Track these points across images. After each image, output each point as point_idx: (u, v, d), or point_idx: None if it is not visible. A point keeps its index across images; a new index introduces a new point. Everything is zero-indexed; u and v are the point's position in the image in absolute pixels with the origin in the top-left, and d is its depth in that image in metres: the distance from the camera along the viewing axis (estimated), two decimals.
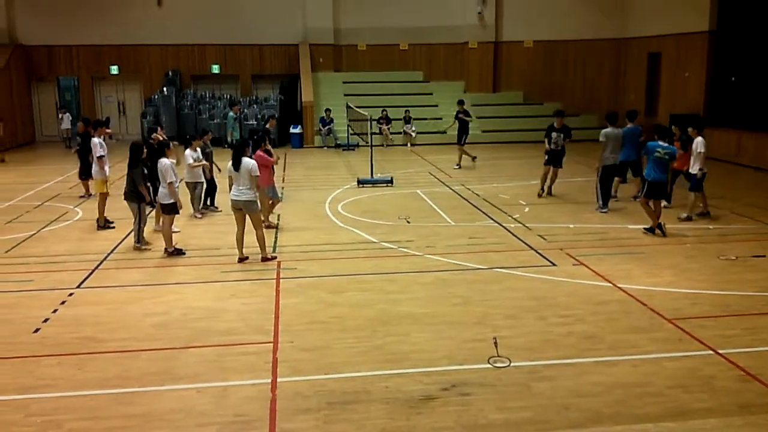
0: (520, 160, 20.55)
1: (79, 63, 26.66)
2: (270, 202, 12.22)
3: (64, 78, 27.46)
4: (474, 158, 19.46)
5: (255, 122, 24.65)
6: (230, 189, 10.11)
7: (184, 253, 10.49)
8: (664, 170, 11.44)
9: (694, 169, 12.27)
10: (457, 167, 18.96)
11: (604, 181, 13.19)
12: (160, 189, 10.58)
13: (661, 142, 11.36)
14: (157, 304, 8.40)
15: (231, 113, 18.73)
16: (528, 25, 27.04)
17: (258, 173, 9.98)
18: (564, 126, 14.62)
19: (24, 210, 13.98)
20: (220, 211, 13.34)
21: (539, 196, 14.69)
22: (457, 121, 19.45)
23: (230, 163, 9.99)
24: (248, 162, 9.88)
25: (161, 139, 11.94)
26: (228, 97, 26.82)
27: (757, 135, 19.17)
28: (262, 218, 11.47)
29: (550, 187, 14.86)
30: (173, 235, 10.78)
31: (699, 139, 12.26)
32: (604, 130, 13.18)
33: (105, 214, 12.30)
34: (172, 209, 10.49)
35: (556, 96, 26.84)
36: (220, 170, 13.36)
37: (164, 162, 10.45)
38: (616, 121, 13.33)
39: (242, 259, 10.04)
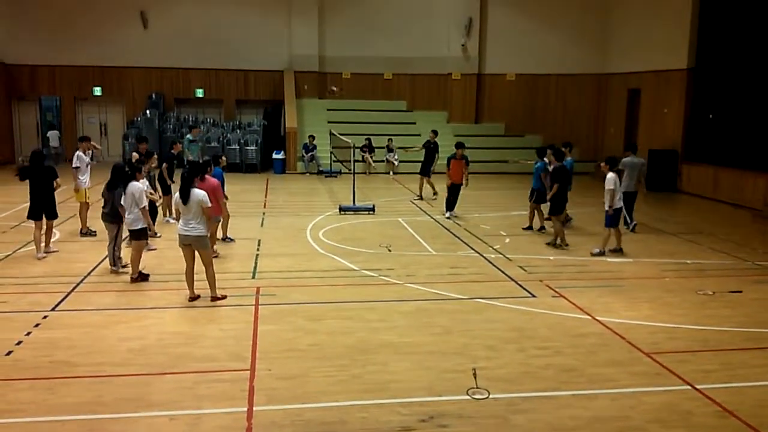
0: (501, 191, 20.69)
1: (61, 83, 26.54)
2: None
3: (46, 98, 27.32)
4: (435, 193, 18.61)
5: (237, 147, 24.71)
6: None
7: (148, 278, 10.30)
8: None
9: (605, 205, 12.19)
10: (418, 198, 18.63)
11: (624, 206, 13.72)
12: (128, 214, 10.30)
13: (546, 159, 13.94)
14: (134, 328, 8.28)
15: (189, 135, 18.53)
16: (511, 59, 27.41)
17: (209, 204, 9.23)
18: (555, 167, 13.24)
19: (0, 231, 13.78)
20: (160, 236, 13.00)
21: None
22: (423, 149, 18.89)
23: (177, 194, 9.34)
24: (198, 193, 9.13)
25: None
26: (211, 120, 26.87)
27: (734, 171, 19.49)
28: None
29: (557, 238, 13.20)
30: (150, 252, 10.64)
31: (610, 176, 12.15)
32: (623, 159, 14.26)
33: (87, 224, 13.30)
34: (141, 234, 10.33)
35: (537, 128, 27.21)
36: (160, 197, 12.88)
37: (136, 186, 10.24)
38: (635, 151, 14.72)
39: (194, 298, 9.31)
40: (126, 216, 10.35)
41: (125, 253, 11.09)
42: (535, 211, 14.62)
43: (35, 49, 25.81)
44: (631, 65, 24.93)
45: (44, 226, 11.81)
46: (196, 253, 9.26)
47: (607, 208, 12.18)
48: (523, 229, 14.55)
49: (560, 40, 27.14)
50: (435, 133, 19.29)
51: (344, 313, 8.97)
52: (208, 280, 9.36)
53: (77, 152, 13.41)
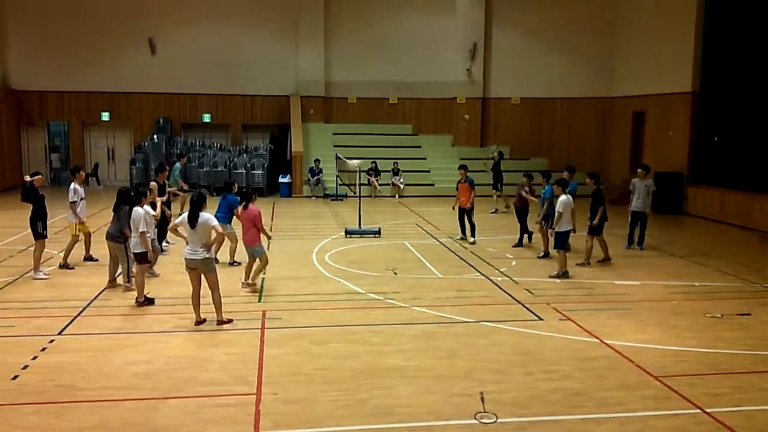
0: (507, 214, 20.65)
1: (70, 109, 26.79)
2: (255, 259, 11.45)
3: (55, 123, 27.59)
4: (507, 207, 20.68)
5: (244, 171, 24.84)
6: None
7: (153, 302, 10.31)
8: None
9: (558, 227, 12.24)
10: (494, 211, 20.80)
11: (632, 225, 15.02)
12: (132, 238, 10.45)
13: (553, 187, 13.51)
14: (140, 352, 8.27)
15: (178, 164, 18.54)
16: (515, 83, 27.60)
17: (220, 229, 9.20)
18: (593, 191, 13.60)
19: (8, 254, 13.84)
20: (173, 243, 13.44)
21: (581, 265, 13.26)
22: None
23: (184, 216, 9.26)
24: (205, 217, 9.07)
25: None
26: (218, 145, 27.04)
27: (740, 193, 19.46)
28: (249, 279, 11.19)
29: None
30: (154, 278, 10.66)
31: (561, 198, 12.24)
32: (633, 180, 15.11)
33: (86, 254, 13.18)
34: (143, 258, 10.37)
35: (542, 152, 27.29)
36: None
37: (138, 210, 10.37)
38: (648, 171, 15.24)
39: (200, 322, 9.29)
40: (131, 239, 10.53)
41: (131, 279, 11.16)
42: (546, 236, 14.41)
43: (44, 75, 26.11)
44: (636, 89, 25.04)
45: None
46: (202, 276, 9.27)
47: (560, 231, 12.22)
48: (539, 257, 14.08)
49: (565, 64, 27.32)
50: (501, 154, 22.31)
51: (350, 337, 8.94)
52: (214, 304, 9.34)
53: (73, 185, 12.64)
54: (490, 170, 21.94)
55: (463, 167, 16.11)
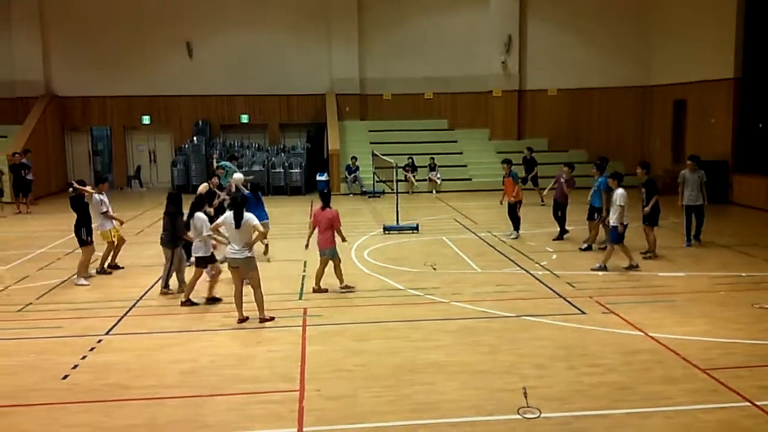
0: (546, 207, 20.44)
1: (112, 113, 27.38)
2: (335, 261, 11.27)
3: (97, 128, 28.20)
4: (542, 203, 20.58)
5: (282, 170, 25.08)
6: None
7: (196, 304, 10.41)
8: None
9: (612, 221, 12.05)
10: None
11: (688, 220, 14.27)
12: (195, 242, 10.54)
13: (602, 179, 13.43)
14: (185, 351, 8.42)
15: (229, 163, 18.49)
16: (552, 74, 27.28)
17: (261, 228, 9.48)
18: (647, 181, 13.42)
19: (55, 257, 14.20)
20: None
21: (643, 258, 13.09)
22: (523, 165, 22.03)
23: (227, 216, 9.47)
24: (249, 217, 9.31)
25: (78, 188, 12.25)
26: (256, 145, 27.32)
27: None
28: (319, 284, 11.09)
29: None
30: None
31: (619, 191, 12.03)
32: (682, 172, 14.30)
33: (111, 262, 12.93)
34: (202, 262, 10.46)
35: (581, 143, 26.94)
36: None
37: (200, 216, 10.52)
38: (698, 162, 14.22)
39: (242, 320, 9.46)
40: (194, 242, 10.58)
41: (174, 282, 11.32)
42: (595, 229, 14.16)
43: (87, 81, 26.71)
44: (676, 76, 24.53)
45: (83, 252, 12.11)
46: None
47: (616, 224, 12.00)
48: (581, 249, 14.00)
49: (601, 54, 26.90)
50: (531, 150, 22.68)
51: (391, 333, 8.97)
52: (256, 302, 9.48)
53: (99, 196, 12.44)
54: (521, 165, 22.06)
55: (506, 161, 15.80)
